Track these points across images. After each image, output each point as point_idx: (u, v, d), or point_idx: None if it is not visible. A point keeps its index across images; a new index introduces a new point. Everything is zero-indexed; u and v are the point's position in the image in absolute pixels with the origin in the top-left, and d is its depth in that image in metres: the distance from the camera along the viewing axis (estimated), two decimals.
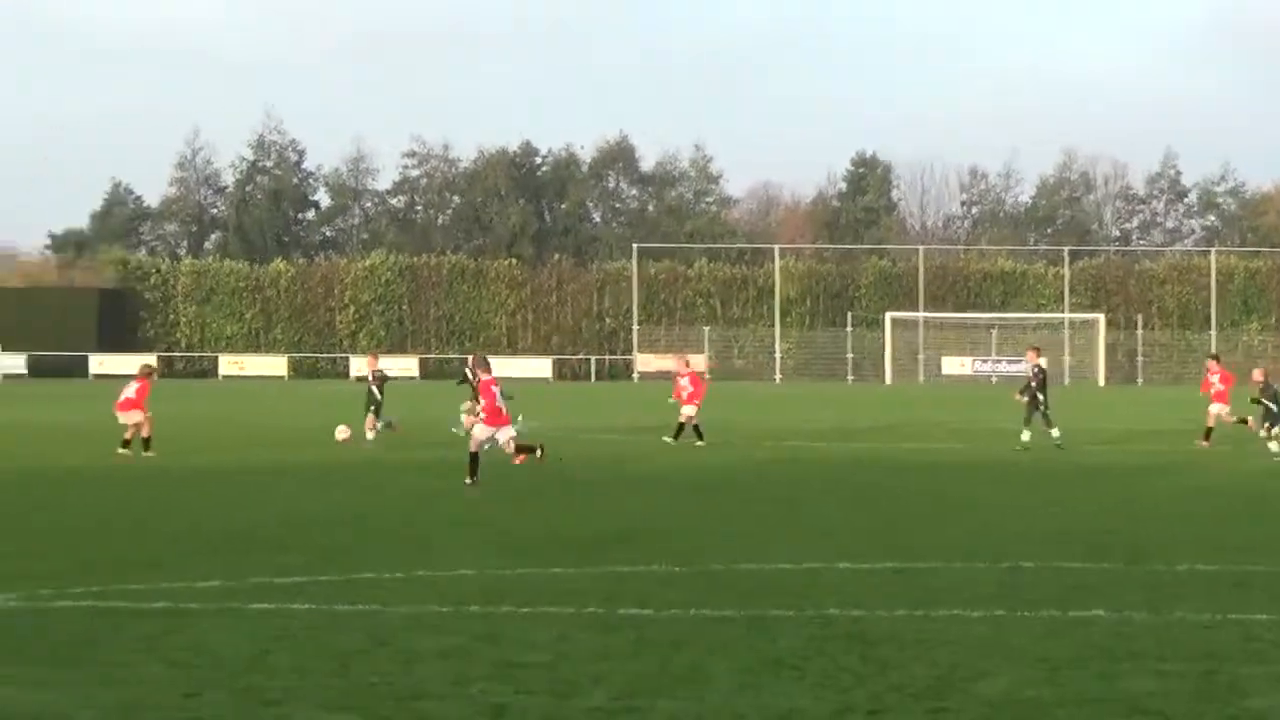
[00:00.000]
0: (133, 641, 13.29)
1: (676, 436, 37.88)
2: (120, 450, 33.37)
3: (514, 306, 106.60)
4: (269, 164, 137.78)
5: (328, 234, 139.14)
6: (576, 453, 35.34)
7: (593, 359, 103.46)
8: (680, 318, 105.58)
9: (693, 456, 34.55)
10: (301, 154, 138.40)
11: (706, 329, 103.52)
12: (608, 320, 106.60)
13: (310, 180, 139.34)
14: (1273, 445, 35.98)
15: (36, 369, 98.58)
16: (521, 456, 29.50)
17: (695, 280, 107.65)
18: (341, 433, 36.17)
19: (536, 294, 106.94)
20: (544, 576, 17.02)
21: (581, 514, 23.24)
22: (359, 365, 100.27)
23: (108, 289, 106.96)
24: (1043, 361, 39.02)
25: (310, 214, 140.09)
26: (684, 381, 38.75)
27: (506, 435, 28.59)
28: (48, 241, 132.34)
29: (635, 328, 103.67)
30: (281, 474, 30.10)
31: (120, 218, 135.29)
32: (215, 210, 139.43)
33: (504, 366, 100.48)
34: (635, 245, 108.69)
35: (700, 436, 37.83)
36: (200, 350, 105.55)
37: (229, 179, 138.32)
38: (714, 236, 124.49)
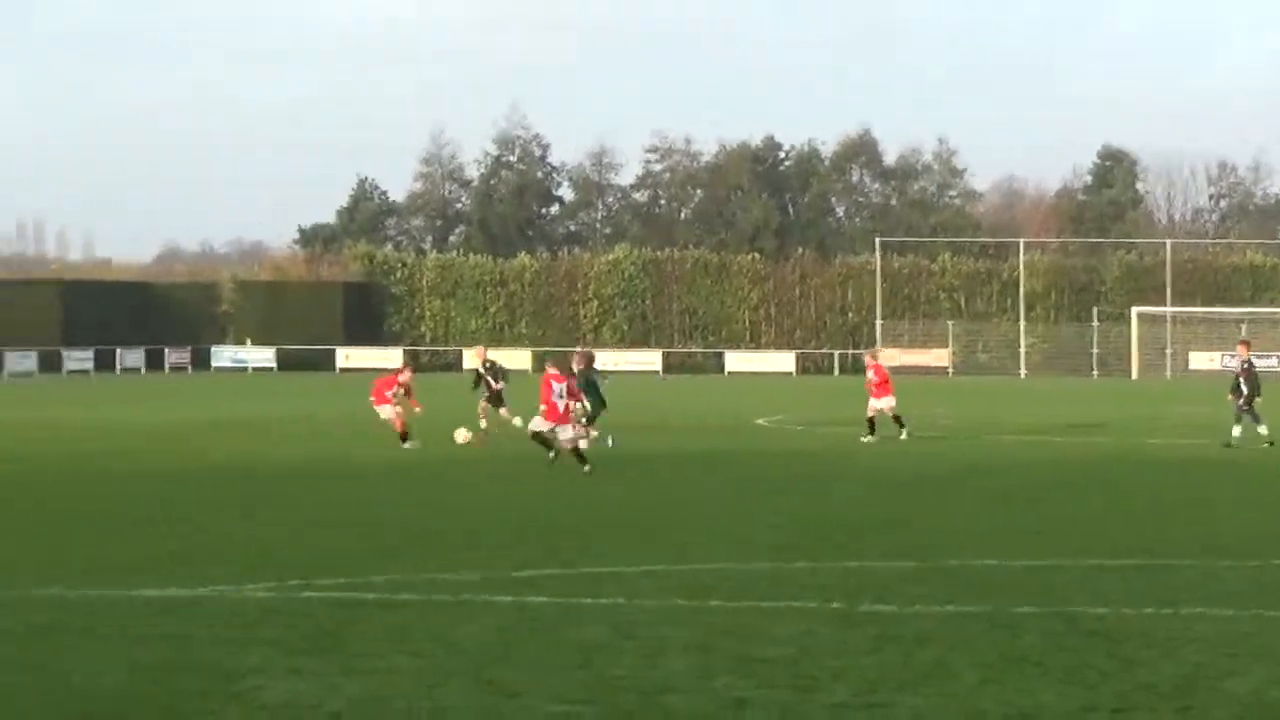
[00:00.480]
0: (379, 632, 13.54)
1: (871, 431, 36.96)
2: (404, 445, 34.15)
3: (757, 301, 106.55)
4: (513, 159, 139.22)
5: (571, 228, 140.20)
6: (817, 447, 35.23)
7: (835, 353, 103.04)
8: (923, 312, 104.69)
9: (933, 448, 34.26)
10: (545, 148, 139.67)
11: (950, 323, 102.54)
12: (850, 315, 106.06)
13: (554, 175, 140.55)
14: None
15: (285, 362, 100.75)
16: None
17: (939, 274, 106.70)
18: (461, 436, 34.50)
19: (779, 288, 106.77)
20: (786, 571, 17.01)
21: (821, 509, 23.18)
22: (602, 359, 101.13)
23: (354, 283, 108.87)
24: (1252, 356, 37.99)
25: (554, 208, 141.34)
26: (871, 374, 38.11)
27: (566, 435, 29.31)
28: (296, 236, 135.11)
29: (879, 322, 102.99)
30: (527, 465, 30.40)
31: (367, 213, 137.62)
32: (460, 205, 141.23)
33: (748, 361, 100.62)
34: (878, 239, 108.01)
35: (902, 426, 37.21)
36: (445, 344, 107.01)
37: (474, 174, 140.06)
38: (957, 230, 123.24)
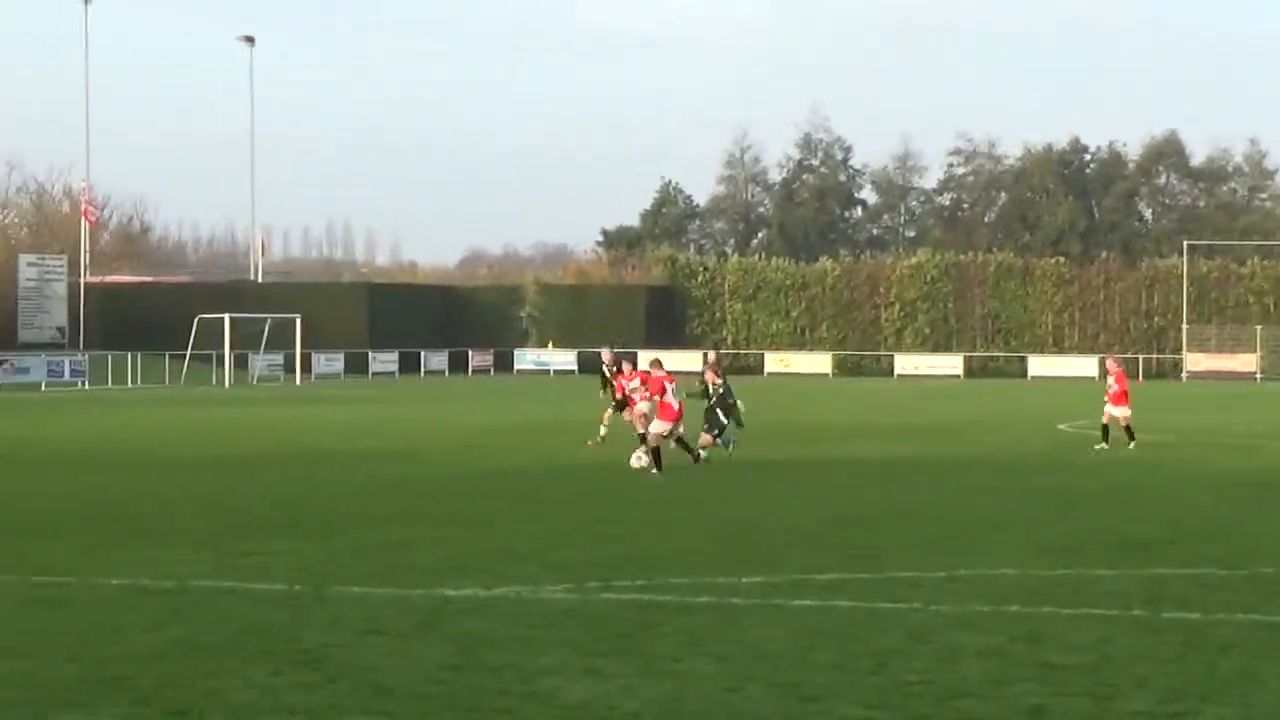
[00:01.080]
0: (677, 635, 13.61)
1: (1105, 438, 35.92)
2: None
3: (1060, 304, 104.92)
4: (815, 162, 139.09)
5: (873, 232, 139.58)
6: (1121, 453, 34.55)
7: (1140, 358, 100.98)
8: (1231, 316, 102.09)
9: (1242, 459, 33.41)
10: (848, 151, 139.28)
11: (1259, 328, 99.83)
12: (1155, 319, 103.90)
13: (856, 178, 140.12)
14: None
15: (587, 365, 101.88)
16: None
17: (1248, 278, 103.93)
18: (637, 461, 30.18)
19: (1084, 291, 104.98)
20: (1086, 578, 16.73)
21: (1123, 515, 22.75)
22: (902, 363, 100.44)
23: (656, 286, 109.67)
24: None
25: (856, 211, 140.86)
26: (1112, 381, 36.94)
27: (661, 429, 29.54)
28: (599, 239, 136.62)
29: (1184, 326, 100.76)
30: (824, 468, 30.37)
31: (670, 216, 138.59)
32: (762, 208, 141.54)
33: (1050, 365, 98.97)
34: (1185, 242, 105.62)
35: (1132, 437, 35.95)
36: (746, 347, 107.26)
37: (775, 177, 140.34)
38: (1267, 233, 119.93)
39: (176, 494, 25.41)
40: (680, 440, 30.70)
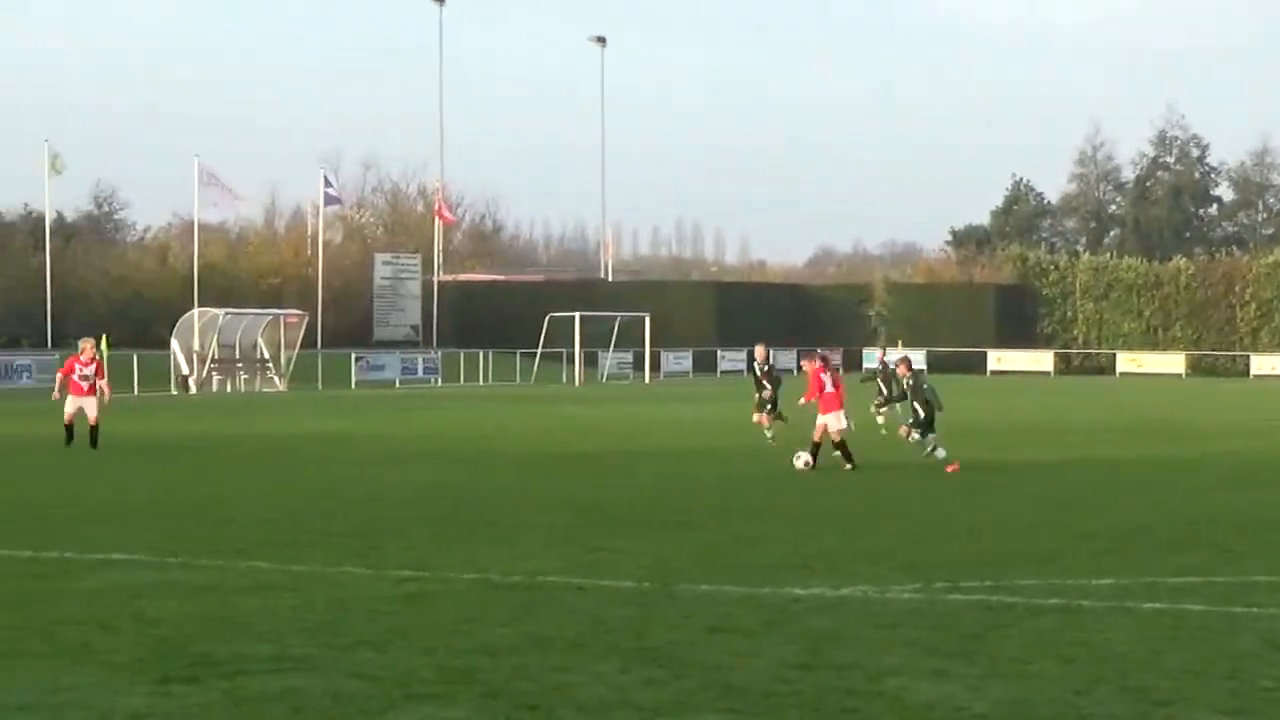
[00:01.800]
0: (1025, 637, 13.48)
1: None
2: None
3: None
4: (1169, 159, 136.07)
5: (1229, 229, 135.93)
6: None
7: None
8: None
9: None
10: (1204, 149, 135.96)
11: None
12: None
13: (1212, 175, 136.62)
14: None
15: (935, 364, 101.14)
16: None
17: None
18: (799, 460, 29.41)
19: None
20: None
21: None
22: (1259, 364, 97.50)
23: (1006, 285, 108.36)
24: None
25: (1212, 209, 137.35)
26: None
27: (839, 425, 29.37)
28: (949, 238, 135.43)
29: None
30: (1180, 471, 29.71)
31: (1021, 214, 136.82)
32: (1114, 207, 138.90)
33: None
34: None
35: None
36: (1097, 347, 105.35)
37: (1129, 175, 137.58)
38: None
39: (528, 490, 25.93)
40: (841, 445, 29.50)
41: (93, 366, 34.00)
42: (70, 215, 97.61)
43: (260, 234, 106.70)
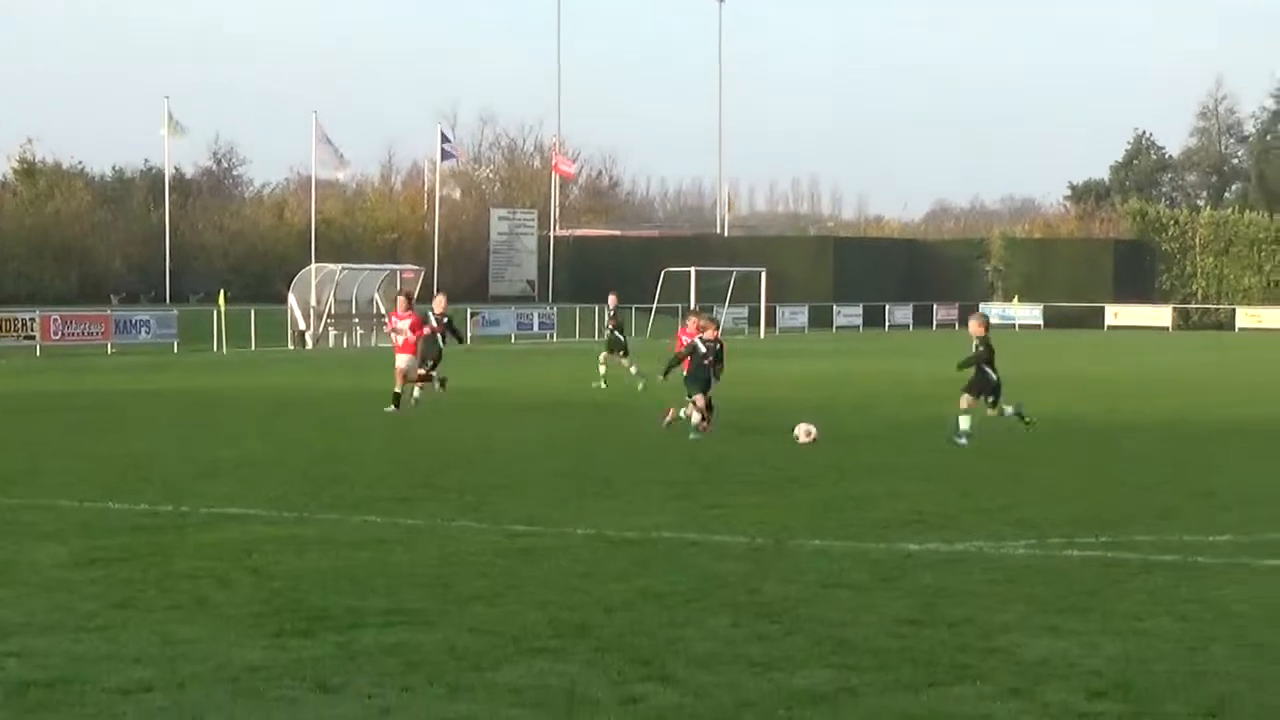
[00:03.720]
0: (1140, 593, 13.36)
1: None
2: None
3: None
4: None
5: None
6: None
7: None
8: None
9: None
10: None
11: None
12: None
13: None
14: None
15: (1052, 320, 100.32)
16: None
17: None
18: (803, 433, 26.38)
19: None
20: None
21: None
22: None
23: (1125, 240, 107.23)
24: None
25: None
26: None
27: None
28: (1067, 192, 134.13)
29: None
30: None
31: (1141, 169, 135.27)
32: (1235, 160, 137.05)
33: None
34: None
35: None
36: (1217, 302, 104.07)
37: (1250, 128, 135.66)
38: None
39: (644, 445, 25.95)
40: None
41: (407, 320, 34.54)
42: (189, 171, 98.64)
43: (377, 190, 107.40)
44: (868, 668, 10.81)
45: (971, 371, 27.40)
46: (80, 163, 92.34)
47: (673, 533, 16.54)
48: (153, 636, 11.55)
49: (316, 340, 68.82)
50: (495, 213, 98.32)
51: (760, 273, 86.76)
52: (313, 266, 72.34)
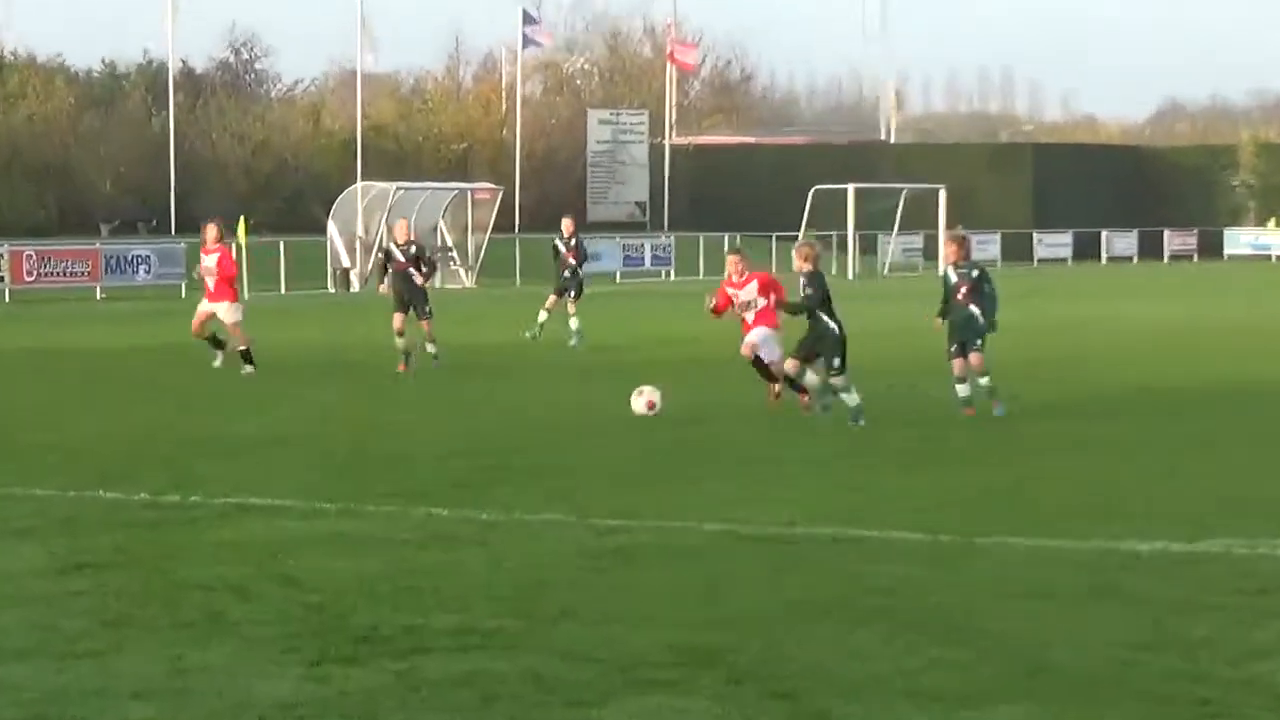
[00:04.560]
0: None
1: None
2: None
3: None
4: None
5: None
6: None
7: None
8: None
9: None
10: None
11: None
12: None
13: None
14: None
15: None
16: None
17: None
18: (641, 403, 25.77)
19: None
20: None
21: None
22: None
23: None
24: None
25: None
26: None
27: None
28: None
29: None
30: None
31: None
32: None
33: None
34: None
35: None
36: None
37: None
38: None
39: (780, 415, 25.91)
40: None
41: (215, 256, 33.73)
42: (200, 65, 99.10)
43: (441, 87, 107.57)
44: (1085, 702, 10.78)
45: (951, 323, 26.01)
46: (60, 55, 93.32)
47: (818, 526, 16.53)
48: (156, 664, 11.65)
49: (364, 280, 69.11)
50: (594, 115, 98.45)
51: (938, 190, 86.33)
52: (359, 186, 72.74)
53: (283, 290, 64.80)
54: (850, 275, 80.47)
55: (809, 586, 13.98)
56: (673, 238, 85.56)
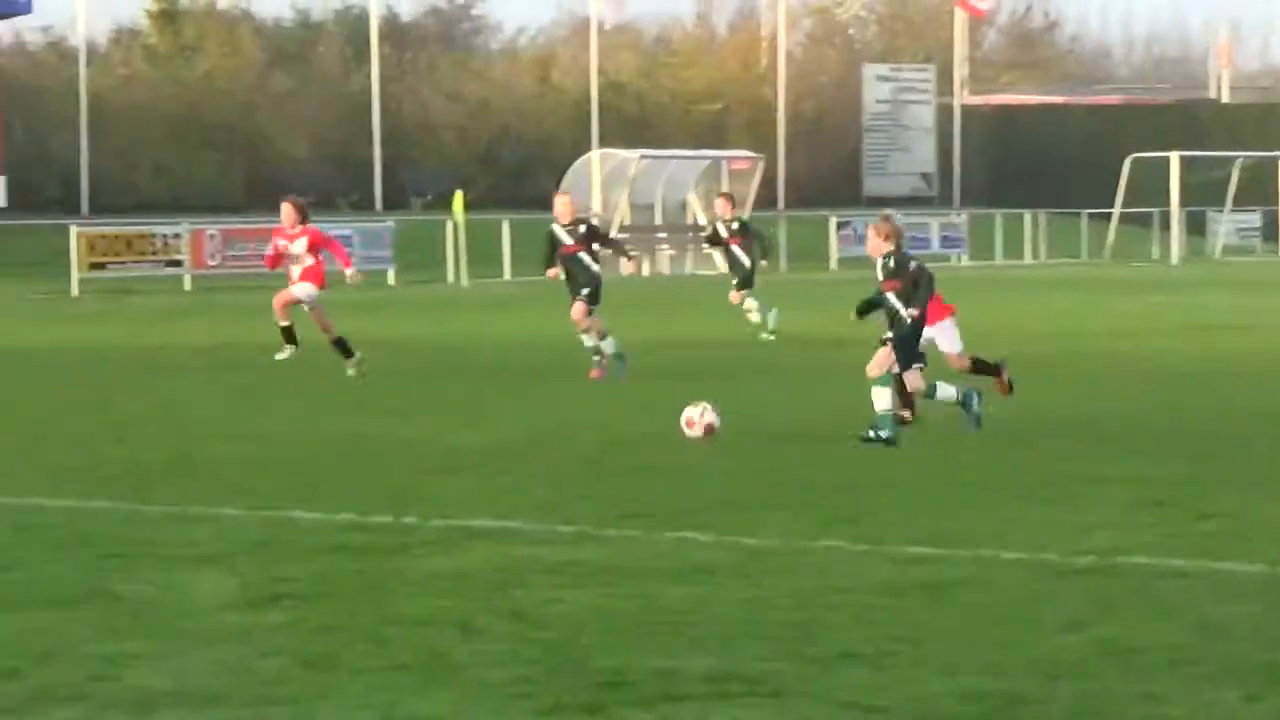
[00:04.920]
0: None
1: None
2: None
3: None
4: None
5: None
6: None
7: None
8: None
9: None
10: None
11: None
12: None
13: None
14: None
15: None
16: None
17: None
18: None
19: None
20: None
21: None
22: None
23: None
24: None
25: None
26: None
27: None
28: None
29: None
30: None
31: None
32: None
33: None
34: None
35: None
36: None
37: None
38: None
39: (1093, 425, 25.83)
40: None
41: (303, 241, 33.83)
42: (407, 12, 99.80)
43: (691, 37, 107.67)
44: None
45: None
46: (245, 2, 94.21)
47: (1149, 557, 16.39)
48: (366, 713, 11.71)
49: (601, 262, 69.30)
50: (871, 71, 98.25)
51: (1278, 159, 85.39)
52: (595, 153, 73.12)
53: (506, 275, 65.18)
54: (1174, 259, 79.78)
55: (1138, 626, 13.85)
56: (965, 215, 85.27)
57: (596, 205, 69.90)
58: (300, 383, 32.32)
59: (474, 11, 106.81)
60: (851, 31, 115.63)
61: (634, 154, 72.85)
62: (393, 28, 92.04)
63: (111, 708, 11.57)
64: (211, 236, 62.23)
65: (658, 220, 72.90)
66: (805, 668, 12.72)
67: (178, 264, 60.95)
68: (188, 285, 60.30)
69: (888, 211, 28.95)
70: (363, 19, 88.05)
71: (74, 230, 60.43)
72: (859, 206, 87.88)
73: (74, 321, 45.60)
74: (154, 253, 60.91)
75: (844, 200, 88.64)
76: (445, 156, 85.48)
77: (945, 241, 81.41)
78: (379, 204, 78.49)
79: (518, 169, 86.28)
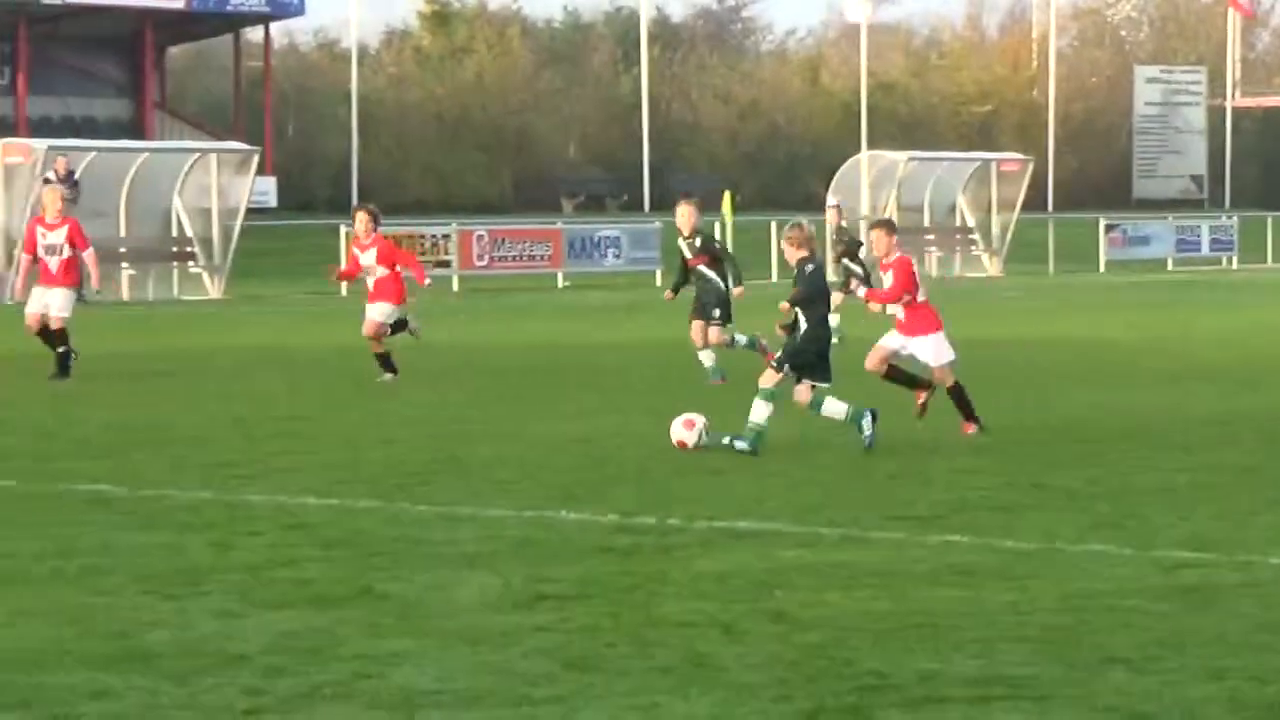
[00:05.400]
0: None
1: None
2: None
3: None
4: None
5: None
6: None
7: None
8: None
9: None
10: None
11: None
12: None
13: None
14: None
15: None
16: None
17: None
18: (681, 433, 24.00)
19: None
20: None
21: None
22: None
23: None
24: None
25: None
26: None
27: None
28: None
29: None
30: None
31: None
32: None
33: None
34: None
35: None
36: None
37: None
38: None
39: None
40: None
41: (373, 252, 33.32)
42: (677, 14, 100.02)
43: (961, 38, 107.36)
44: None
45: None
46: (516, 3, 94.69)
47: None
48: (629, 713, 11.71)
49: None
50: (1142, 73, 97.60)
51: None
52: (864, 155, 72.89)
53: (774, 277, 65.15)
54: None
55: None
56: (1236, 218, 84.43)
57: (864, 208, 69.66)
58: (565, 382, 32.46)
59: (744, 13, 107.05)
60: (1123, 33, 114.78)
61: (902, 155, 72.54)
62: (663, 29, 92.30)
63: (376, 707, 11.65)
64: (479, 237, 62.48)
65: (925, 222, 72.60)
66: (1069, 672, 12.63)
67: (446, 264, 61.16)
68: (455, 286, 60.60)
69: (799, 220, 27.13)
70: (633, 20, 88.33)
71: (344, 230, 60.81)
72: (1128, 209, 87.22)
73: (340, 320, 45.90)
74: (423, 253, 60.95)
75: (1113, 202, 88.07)
76: (713, 157, 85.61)
77: (1215, 244, 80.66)
78: (646, 205, 78.59)
79: (786, 170, 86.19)
